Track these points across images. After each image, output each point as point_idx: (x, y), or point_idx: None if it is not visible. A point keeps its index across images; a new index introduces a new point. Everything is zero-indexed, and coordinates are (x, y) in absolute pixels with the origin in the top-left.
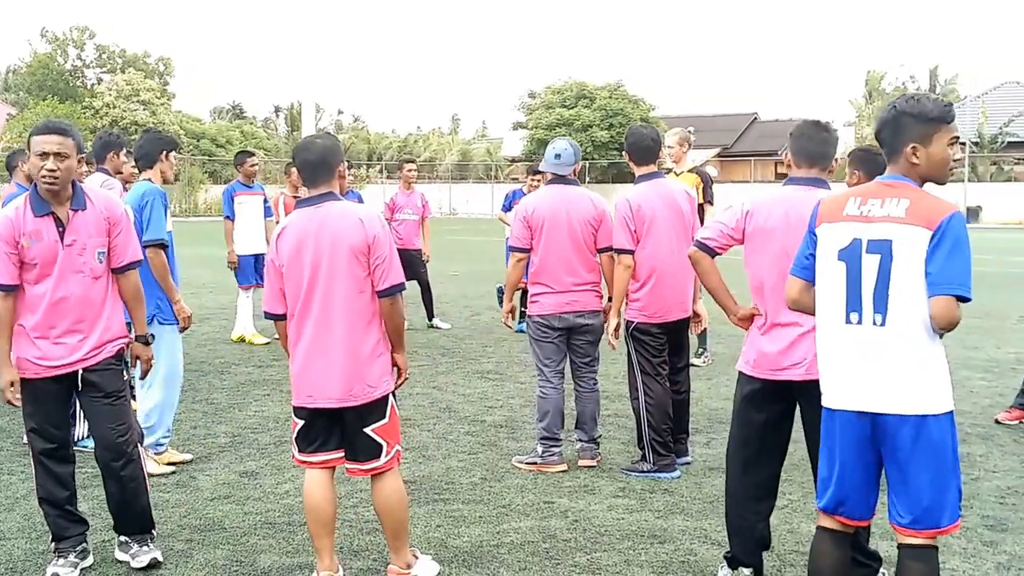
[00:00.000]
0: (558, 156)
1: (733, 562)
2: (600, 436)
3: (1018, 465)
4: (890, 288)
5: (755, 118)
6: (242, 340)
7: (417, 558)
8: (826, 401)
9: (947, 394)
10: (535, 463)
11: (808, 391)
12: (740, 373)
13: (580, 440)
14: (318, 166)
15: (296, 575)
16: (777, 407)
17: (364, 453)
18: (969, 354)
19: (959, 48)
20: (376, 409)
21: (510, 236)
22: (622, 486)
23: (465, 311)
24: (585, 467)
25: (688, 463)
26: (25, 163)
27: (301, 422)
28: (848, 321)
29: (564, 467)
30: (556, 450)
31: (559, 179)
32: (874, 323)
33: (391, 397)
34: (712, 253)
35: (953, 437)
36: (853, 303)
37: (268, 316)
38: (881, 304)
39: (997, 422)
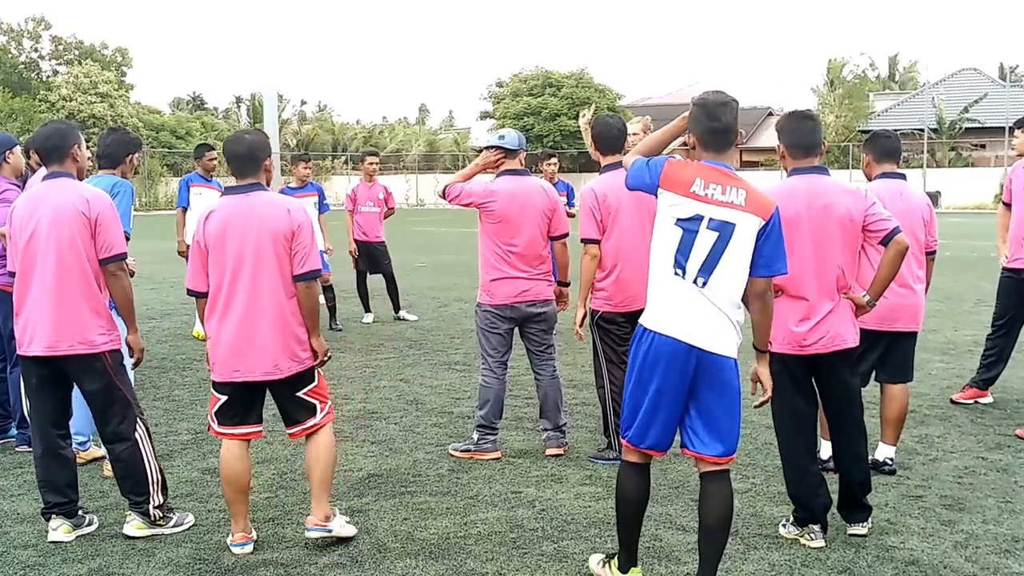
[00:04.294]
0: (502, 137)
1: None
2: (566, 424)
3: (975, 445)
4: (720, 262)
5: None
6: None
7: (335, 515)
8: (650, 324)
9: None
10: (469, 450)
11: (827, 362)
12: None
13: (545, 429)
14: (245, 159)
15: (260, 571)
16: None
17: (302, 414)
18: (928, 336)
19: (918, 35)
20: (304, 377)
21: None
22: (589, 474)
23: (432, 303)
24: (552, 456)
25: None
26: (11, 157)
27: (223, 398)
28: (675, 274)
29: (498, 455)
30: (492, 438)
31: (511, 170)
32: (695, 283)
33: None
34: None
35: (739, 379)
36: (679, 263)
37: (191, 293)
38: (707, 272)
39: (952, 402)
